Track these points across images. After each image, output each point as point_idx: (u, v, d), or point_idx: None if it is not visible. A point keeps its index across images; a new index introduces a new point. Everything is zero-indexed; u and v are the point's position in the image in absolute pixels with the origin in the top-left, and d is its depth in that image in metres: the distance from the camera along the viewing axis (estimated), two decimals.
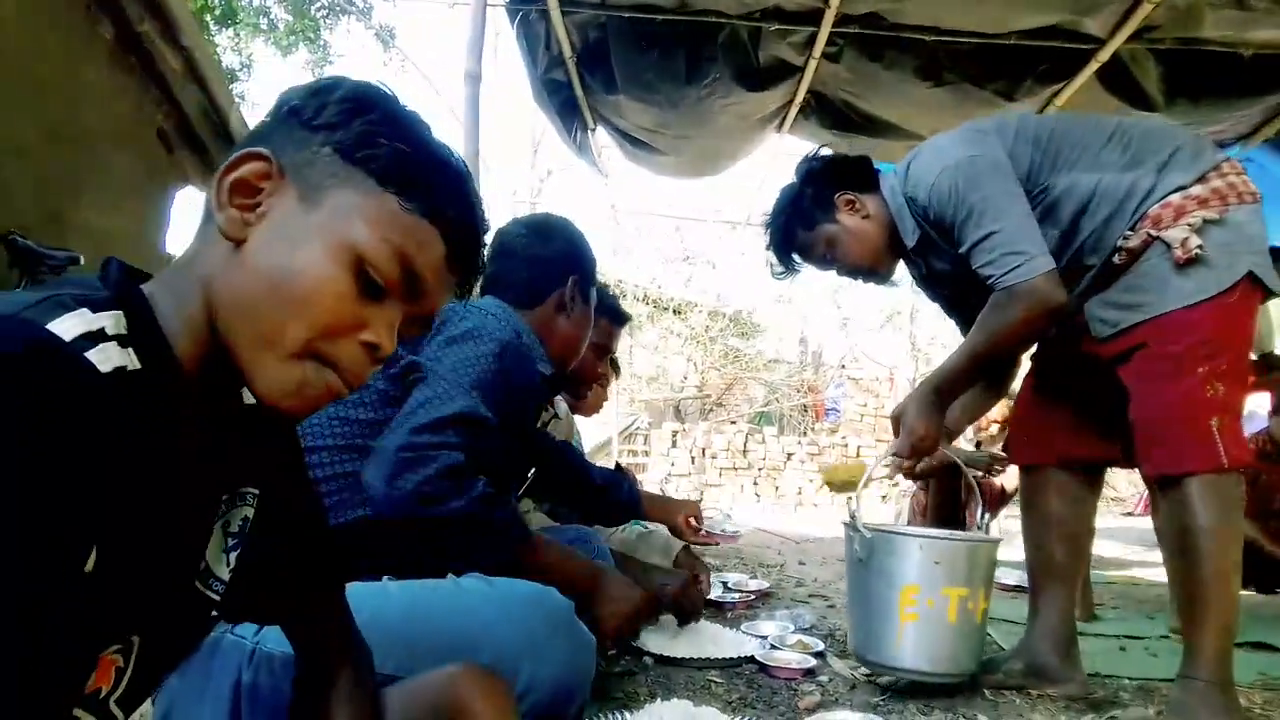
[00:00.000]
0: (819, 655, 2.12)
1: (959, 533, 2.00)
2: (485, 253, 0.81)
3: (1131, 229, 1.77)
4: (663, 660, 2.05)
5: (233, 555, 0.80)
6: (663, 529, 2.61)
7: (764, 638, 2.26)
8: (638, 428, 10.41)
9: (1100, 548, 5.14)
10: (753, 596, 2.91)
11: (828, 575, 3.67)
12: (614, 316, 2.50)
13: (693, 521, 2.46)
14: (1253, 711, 1.89)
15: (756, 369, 12.67)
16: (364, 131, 0.72)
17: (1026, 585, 2.15)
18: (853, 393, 11.29)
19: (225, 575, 0.79)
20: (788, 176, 2.17)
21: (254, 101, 11.49)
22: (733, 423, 10.62)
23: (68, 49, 3.00)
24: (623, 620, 1.86)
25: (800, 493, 8.95)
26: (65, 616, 0.56)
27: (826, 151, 2.16)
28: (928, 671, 1.85)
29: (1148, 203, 1.75)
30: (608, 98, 4.35)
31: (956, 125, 4.37)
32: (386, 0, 12.88)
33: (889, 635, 1.85)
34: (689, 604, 2.20)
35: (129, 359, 0.61)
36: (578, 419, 3.51)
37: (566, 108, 4.50)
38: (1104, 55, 3.84)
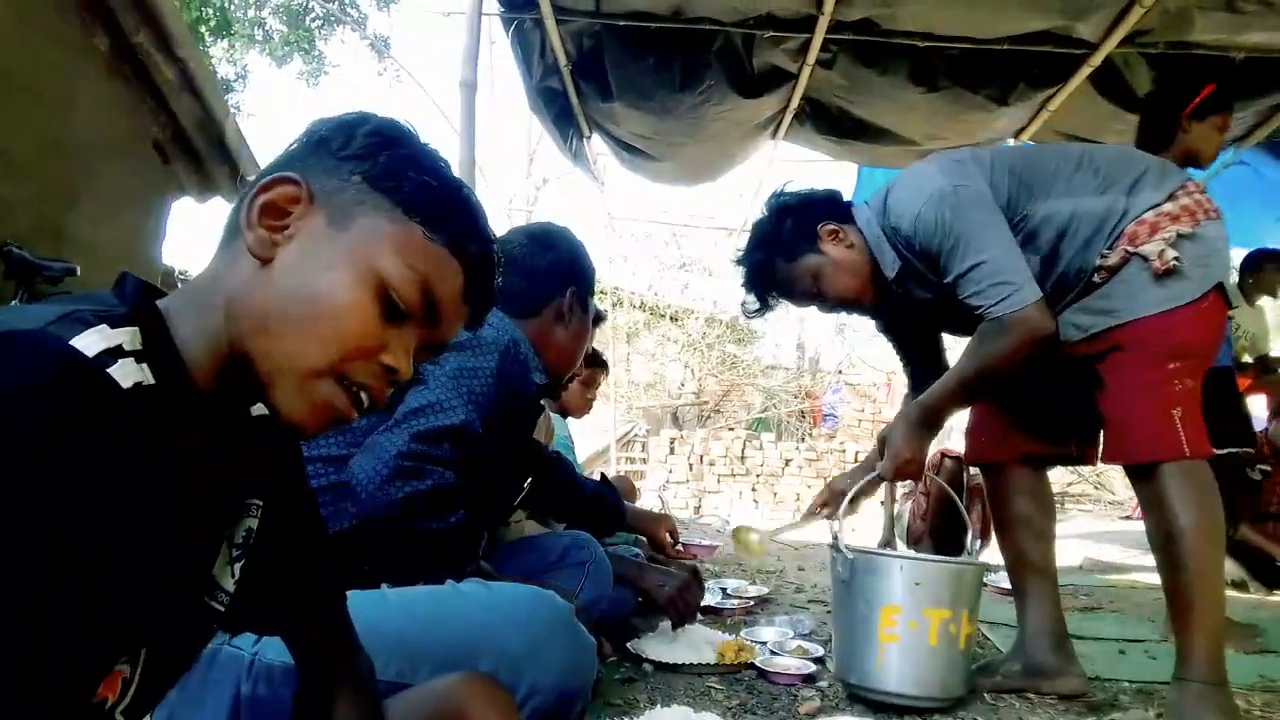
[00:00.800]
0: (819, 661, 2.12)
1: (943, 556, 1.99)
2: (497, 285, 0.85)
3: (1109, 248, 1.83)
4: (662, 667, 2.04)
5: (238, 566, 0.81)
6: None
7: (764, 643, 2.26)
8: (636, 435, 10.41)
9: (1098, 551, 5.15)
10: (752, 602, 2.91)
11: (827, 581, 3.64)
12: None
13: (669, 536, 2.50)
14: (1252, 713, 1.89)
15: (754, 375, 12.67)
16: (391, 164, 0.75)
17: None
18: (850, 398, 11.30)
19: (230, 586, 0.80)
20: (784, 183, 2.15)
21: (249, 112, 11.52)
22: (730, 429, 10.62)
23: (63, 61, 3.01)
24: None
25: (799, 499, 8.94)
26: (76, 626, 0.57)
27: (793, 187, 2.12)
28: (908, 694, 1.81)
29: (1124, 222, 1.82)
30: (603, 105, 4.36)
31: (949, 130, 4.40)
32: (381, 10, 12.86)
33: (870, 656, 1.82)
34: (684, 605, 2.20)
35: (144, 374, 0.62)
36: (574, 426, 3.50)
37: (562, 116, 4.52)
38: (1096, 59, 3.86)
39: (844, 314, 2.13)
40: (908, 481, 2.05)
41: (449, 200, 0.77)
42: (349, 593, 0.98)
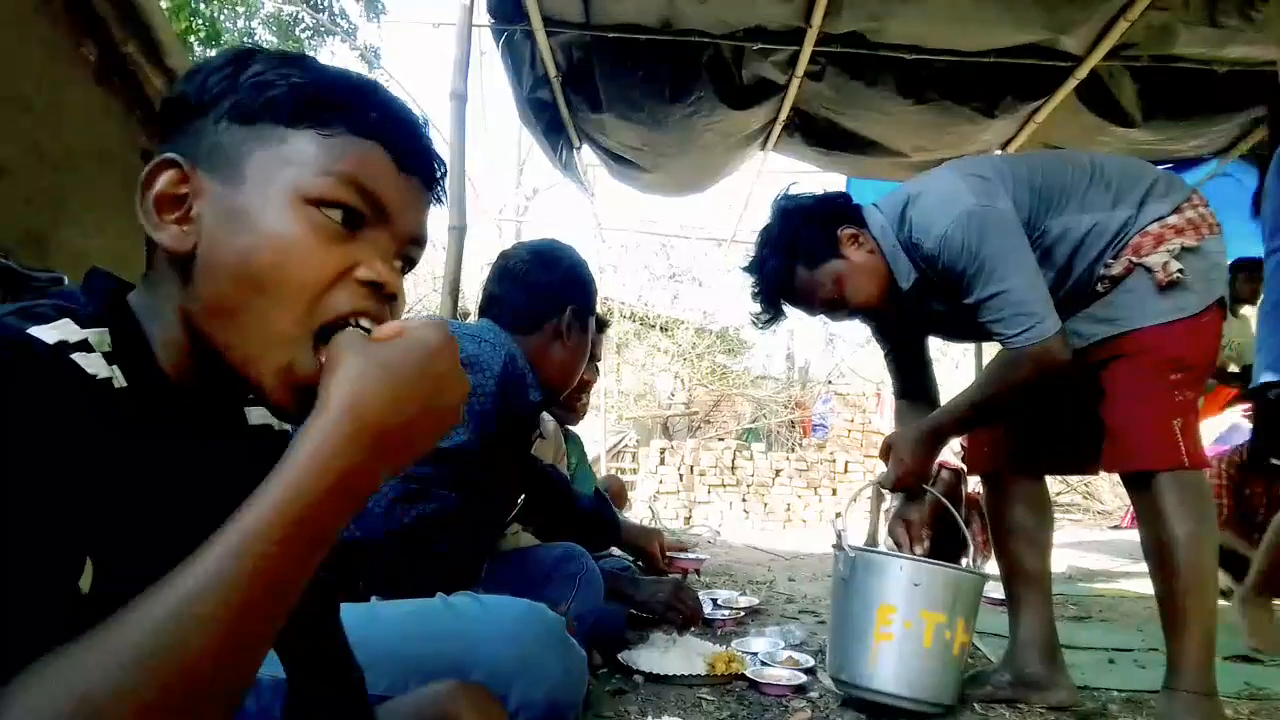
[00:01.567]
0: (809, 672, 2.12)
1: (945, 562, 2.00)
2: (439, 157, 0.76)
3: (1114, 258, 1.85)
4: (653, 678, 2.04)
5: None
6: None
7: (755, 654, 2.25)
8: (625, 445, 10.38)
9: (1088, 561, 5.17)
10: (742, 613, 2.90)
11: (817, 591, 3.66)
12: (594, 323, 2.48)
13: (659, 550, 2.57)
14: None
15: (744, 385, 12.68)
16: (252, 84, 0.67)
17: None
18: (840, 408, 11.31)
19: None
20: (773, 194, 2.10)
21: None
22: (721, 439, 10.61)
23: (51, 70, 3.00)
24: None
25: (789, 509, 8.94)
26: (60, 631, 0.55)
27: (797, 189, 2.09)
28: (896, 694, 1.80)
29: (1130, 234, 1.84)
30: (593, 116, 4.38)
31: (937, 142, 4.43)
32: (371, 21, 12.86)
33: (863, 655, 1.83)
34: (685, 608, 2.20)
35: (115, 375, 0.60)
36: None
37: (552, 127, 4.53)
38: (1082, 72, 3.90)
39: (859, 319, 2.11)
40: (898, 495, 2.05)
41: (325, 88, 0.68)
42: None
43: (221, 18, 11.41)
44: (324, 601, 0.93)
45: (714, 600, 3.00)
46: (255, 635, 0.55)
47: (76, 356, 0.56)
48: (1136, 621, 3.08)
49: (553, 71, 4.08)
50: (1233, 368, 5.00)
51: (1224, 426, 6.13)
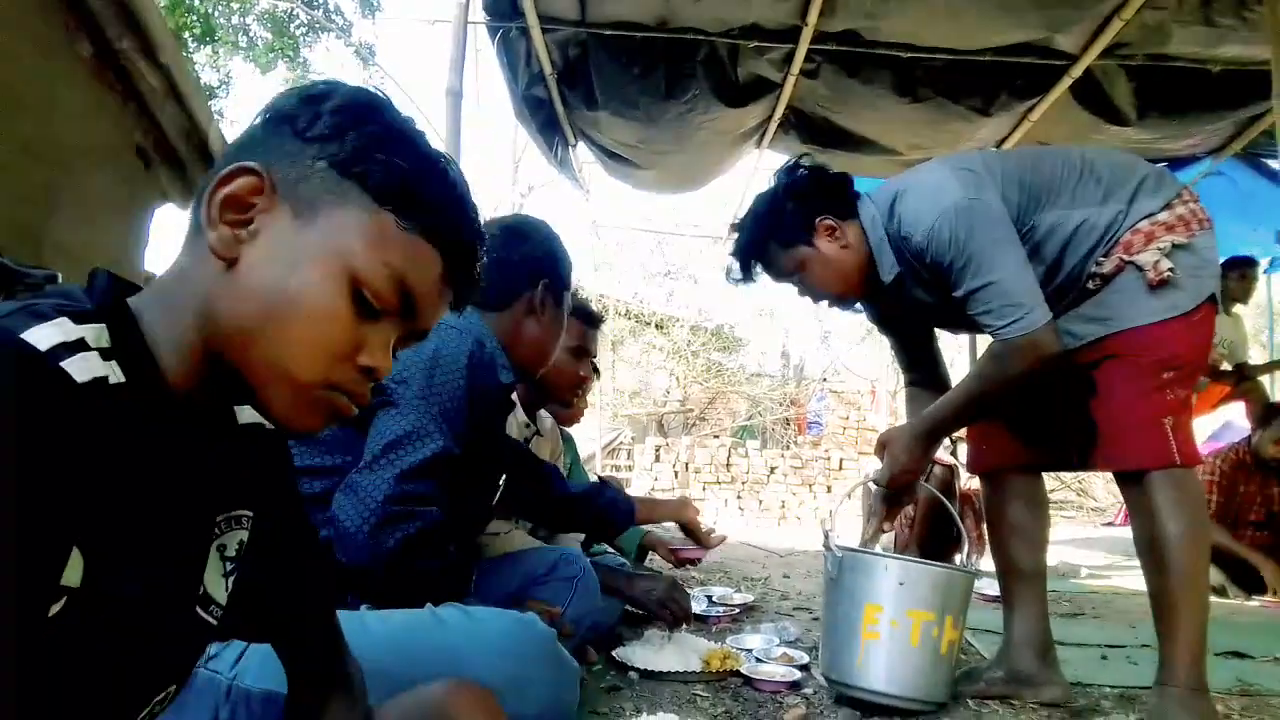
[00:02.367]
0: (804, 668, 2.12)
1: (933, 561, 2.01)
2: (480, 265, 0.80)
3: (1105, 255, 1.84)
4: (648, 675, 2.04)
5: (231, 580, 0.78)
6: None
7: (749, 651, 2.26)
8: (621, 443, 10.39)
9: (1081, 557, 5.18)
10: (737, 610, 2.91)
11: (812, 588, 3.67)
12: (586, 318, 2.45)
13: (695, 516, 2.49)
14: (1231, 718, 1.91)
15: (739, 383, 12.69)
16: (360, 145, 0.69)
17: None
18: (835, 406, 11.33)
19: (223, 599, 0.78)
20: (799, 155, 2.13)
21: (232, 119, 11.45)
22: (716, 437, 10.63)
23: (45, 66, 2.98)
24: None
25: (784, 506, 8.95)
26: (62, 637, 0.55)
27: (808, 161, 2.11)
28: (887, 693, 1.81)
29: (1120, 231, 1.83)
30: (588, 114, 4.38)
31: (933, 140, 4.44)
32: (366, 17, 12.83)
33: (851, 653, 1.83)
34: (676, 607, 2.19)
35: (112, 371, 0.59)
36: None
37: (547, 124, 4.53)
38: (1077, 71, 3.91)
39: (825, 304, 2.11)
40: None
41: (423, 183, 0.71)
42: None
43: (216, 14, 11.36)
44: (320, 600, 0.94)
45: (709, 597, 3.01)
46: None
47: (72, 358, 0.56)
48: (1129, 618, 3.09)
49: (548, 69, 4.07)
50: (1225, 365, 5.02)
51: (1217, 424, 6.17)
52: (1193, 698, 1.72)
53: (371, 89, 0.73)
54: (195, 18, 10.81)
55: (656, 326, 12.59)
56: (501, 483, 2.00)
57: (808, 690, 2.02)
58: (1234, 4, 3.40)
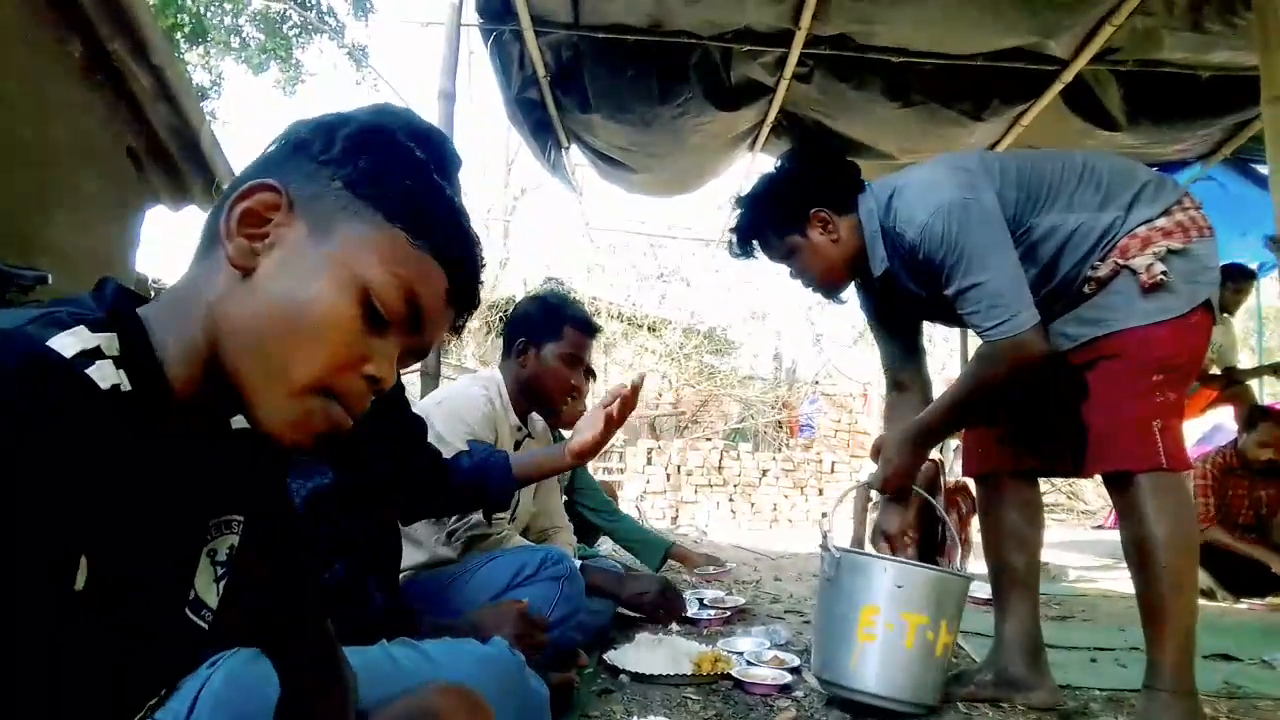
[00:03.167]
0: (795, 671, 2.13)
1: (930, 564, 2.02)
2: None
3: (1101, 259, 1.85)
4: (639, 678, 2.04)
5: (221, 584, 0.79)
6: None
7: (740, 654, 2.26)
8: (612, 445, 10.39)
9: (1071, 560, 5.20)
10: (729, 613, 2.91)
11: (803, 591, 3.67)
12: (581, 327, 2.46)
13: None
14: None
15: (731, 386, 12.68)
16: (373, 168, 0.72)
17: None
18: (827, 408, 11.34)
19: (214, 604, 0.79)
20: (814, 136, 2.17)
21: (224, 120, 11.44)
22: (708, 439, 10.63)
23: (36, 66, 2.98)
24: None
25: (776, 509, 8.95)
26: (55, 639, 0.56)
27: (818, 147, 2.16)
28: (878, 695, 1.82)
29: (1118, 236, 1.85)
30: (581, 117, 4.38)
31: (925, 144, 4.45)
32: (359, 19, 12.81)
33: (846, 655, 1.84)
34: (667, 607, 2.19)
35: (121, 379, 0.61)
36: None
37: (540, 127, 4.53)
38: (1068, 76, 3.93)
39: (811, 290, 2.14)
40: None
41: (433, 205, 0.75)
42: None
43: (208, 14, 11.34)
44: (310, 606, 0.93)
45: (700, 600, 3.01)
46: None
47: (91, 365, 0.58)
48: (1118, 621, 3.10)
49: (541, 71, 4.07)
50: (1214, 369, 5.05)
51: (1207, 427, 6.20)
52: (1181, 700, 1.73)
53: (385, 117, 0.76)
54: (187, 17, 10.79)
55: (649, 329, 12.59)
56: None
57: (798, 693, 2.02)
58: (1223, 10, 3.42)
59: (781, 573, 4.41)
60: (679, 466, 9.12)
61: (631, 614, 2.60)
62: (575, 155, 5.04)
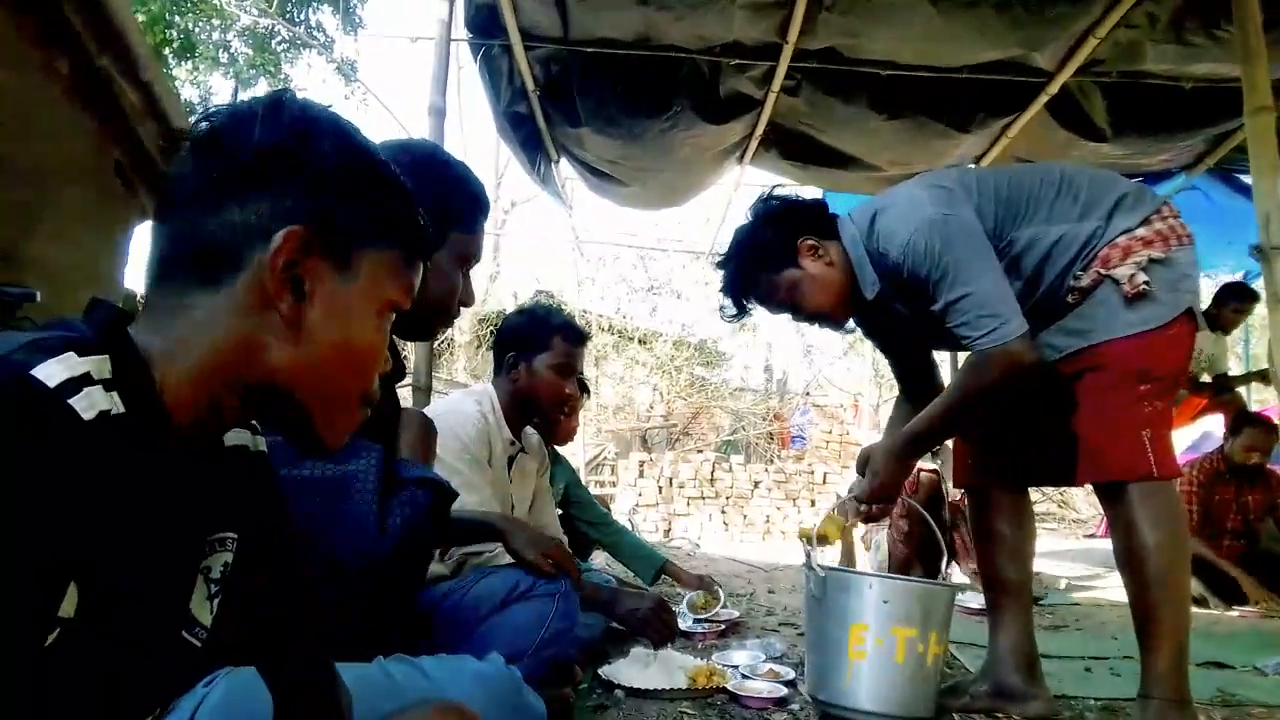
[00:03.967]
0: (790, 684, 2.12)
1: (914, 577, 2.03)
2: None
3: (1083, 270, 1.87)
4: (634, 693, 2.03)
5: (216, 602, 0.79)
6: None
7: (735, 667, 2.25)
8: (604, 458, 10.37)
9: (1064, 569, 5.21)
10: (723, 626, 2.90)
11: (797, 603, 3.66)
12: (570, 335, 2.44)
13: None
14: None
15: (722, 398, 12.70)
16: (375, 209, 0.77)
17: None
18: (818, 420, 11.37)
19: (208, 622, 0.79)
20: (771, 187, 2.16)
21: None
22: (699, 452, 10.62)
23: (22, 82, 2.96)
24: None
25: (769, 521, 8.94)
26: (47, 664, 0.56)
27: (782, 191, 2.14)
28: (874, 712, 1.81)
29: (1099, 246, 1.86)
30: (571, 130, 4.40)
31: (912, 156, 4.48)
32: (348, 34, 12.81)
33: (839, 673, 1.84)
34: (661, 626, 2.17)
35: (113, 402, 0.61)
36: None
37: (530, 140, 4.54)
38: (1053, 88, 3.97)
39: (817, 325, 2.14)
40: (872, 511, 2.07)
41: (410, 218, 0.81)
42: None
43: (197, 30, 11.33)
44: (305, 624, 0.93)
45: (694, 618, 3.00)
46: None
47: (77, 395, 0.58)
48: (1112, 630, 3.11)
49: (530, 86, 4.09)
50: (1205, 378, 5.08)
51: (1196, 435, 6.24)
52: (1176, 708, 1.73)
53: (353, 130, 0.78)
54: (176, 33, 10.78)
55: (640, 342, 12.61)
56: None
57: (794, 706, 2.01)
58: (1205, 23, 3.46)
59: (775, 585, 4.40)
60: (671, 479, 9.10)
61: (624, 629, 2.59)
62: (565, 168, 5.05)
